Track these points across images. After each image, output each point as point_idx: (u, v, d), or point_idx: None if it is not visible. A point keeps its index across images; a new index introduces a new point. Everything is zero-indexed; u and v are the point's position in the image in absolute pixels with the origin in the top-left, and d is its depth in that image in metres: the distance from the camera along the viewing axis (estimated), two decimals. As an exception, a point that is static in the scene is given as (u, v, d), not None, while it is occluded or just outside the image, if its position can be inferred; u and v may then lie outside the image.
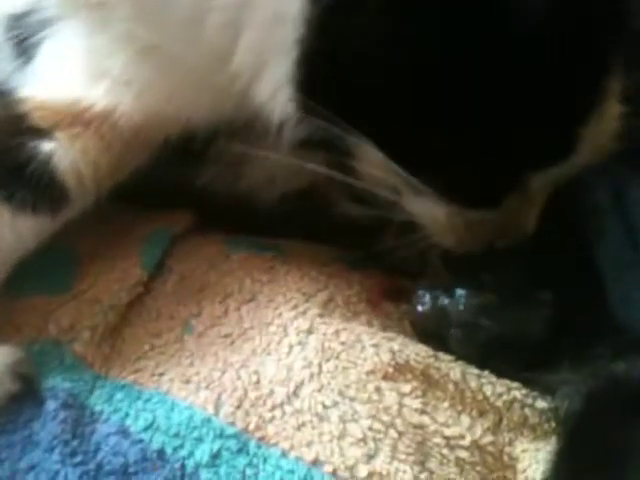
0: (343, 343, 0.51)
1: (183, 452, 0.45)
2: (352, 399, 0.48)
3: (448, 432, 0.48)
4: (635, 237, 0.54)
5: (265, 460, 0.45)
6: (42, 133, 0.52)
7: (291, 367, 0.49)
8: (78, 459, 0.43)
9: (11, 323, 0.51)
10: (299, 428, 0.46)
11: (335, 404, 0.47)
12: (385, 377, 0.49)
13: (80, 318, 0.51)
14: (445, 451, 0.47)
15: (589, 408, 0.46)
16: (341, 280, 0.58)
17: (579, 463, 0.44)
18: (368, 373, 0.49)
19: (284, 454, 0.45)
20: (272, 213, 0.61)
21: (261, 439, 0.46)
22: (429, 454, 0.46)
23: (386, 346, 0.51)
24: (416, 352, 0.51)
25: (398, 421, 0.47)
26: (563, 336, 0.51)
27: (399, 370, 0.50)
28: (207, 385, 0.48)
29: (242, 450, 0.45)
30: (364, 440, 0.46)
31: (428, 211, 0.50)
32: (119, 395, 0.47)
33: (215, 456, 0.45)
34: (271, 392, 0.48)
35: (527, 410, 0.49)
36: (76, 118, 0.52)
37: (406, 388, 0.49)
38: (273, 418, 0.47)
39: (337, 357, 0.50)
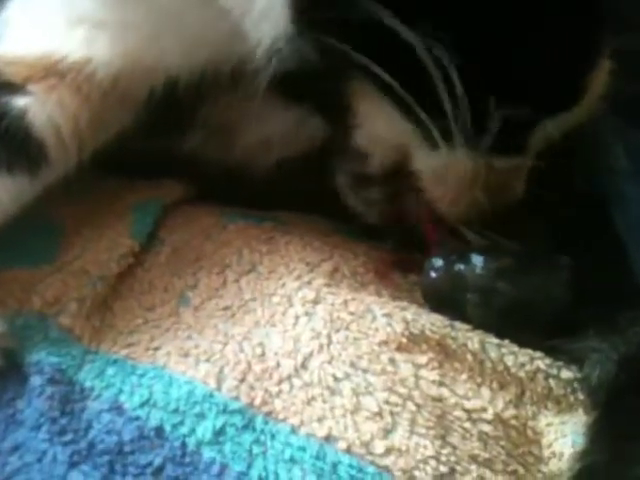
0: (352, 313, 0.47)
1: (183, 429, 0.41)
2: (365, 371, 0.44)
3: (469, 405, 0.45)
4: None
5: (273, 437, 0.41)
6: (15, 88, 0.49)
7: (298, 338, 0.45)
8: (68, 437, 0.39)
9: (-9, 297, 0.47)
10: (309, 402, 0.43)
11: (347, 376, 0.44)
12: (399, 348, 0.46)
13: (66, 290, 0.47)
14: (467, 425, 0.44)
15: (624, 375, 0.43)
16: (346, 250, 0.54)
17: (619, 433, 0.41)
18: (380, 344, 0.46)
19: (294, 430, 0.41)
20: (268, 182, 0.58)
21: (268, 414, 0.42)
22: (450, 428, 0.43)
23: (399, 315, 0.47)
24: (431, 322, 0.47)
25: (416, 393, 0.44)
26: (586, 303, 0.48)
27: (413, 341, 0.46)
28: (207, 358, 0.44)
29: (248, 426, 0.41)
30: (380, 414, 0.42)
31: (443, 167, 0.47)
32: (111, 370, 0.43)
33: (219, 433, 0.41)
34: (277, 365, 0.44)
35: (551, 381, 0.46)
36: (50, 70, 0.48)
37: (422, 359, 0.46)
38: (280, 392, 0.43)
39: (347, 328, 0.46)
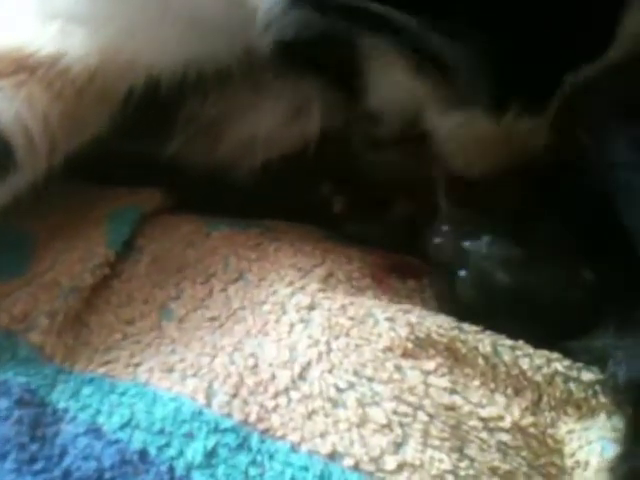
0: (352, 318, 0.44)
1: (171, 452, 0.36)
2: (370, 379, 0.40)
3: (484, 413, 0.41)
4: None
5: (271, 457, 0.37)
6: None
7: (294, 347, 0.42)
8: (39, 466, 0.35)
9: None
10: (309, 416, 0.38)
11: (351, 386, 0.40)
12: (404, 354, 0.42)
13: (36, 304, 0.43)
14: (484, 435, 0.40)
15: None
16: (339, 255, 0.51)
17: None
18: (385, 350, 0.42)
19: (294, 448, 0.37)
20: (253, 188, 0.54)
21: (265, 432, 0.38)
22: (466, 439, 0.39)
23: (402, 319, 0.44)
24: (437, 324, 0.44)
25: (426, 402, 0.40)
26: (604, 301, 0.45)
27: (420, 345, 0.43)
28: (194, 373, 0.40)
29: (243, 446, 0.37)
30: (389, 426, 0.38)
31: (458, 127, 0.44)
32: (87, 389, 0.39)
33: (210, 455, 0.37)
34: (272, 376, 0.40)
35: (571, 384, 0.43)
36: (20, 64, 0.45)
37: (430, 365, 0.42)
38: (277, 406, 0.39)
39: (347, 334, 0.43)
